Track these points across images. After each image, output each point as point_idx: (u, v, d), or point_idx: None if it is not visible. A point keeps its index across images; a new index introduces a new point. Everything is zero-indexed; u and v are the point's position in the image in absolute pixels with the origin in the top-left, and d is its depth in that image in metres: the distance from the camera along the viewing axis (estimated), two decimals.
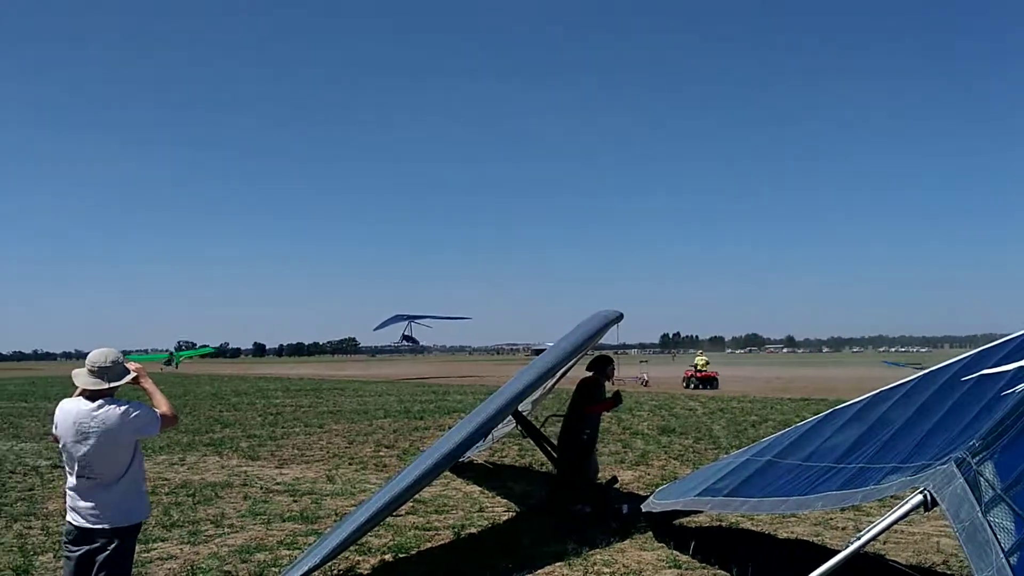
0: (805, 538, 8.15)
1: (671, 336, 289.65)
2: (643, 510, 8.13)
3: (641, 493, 10.11)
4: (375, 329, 65.62)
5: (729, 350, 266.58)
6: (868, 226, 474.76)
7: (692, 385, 35.56)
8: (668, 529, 8.15)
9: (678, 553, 7.38)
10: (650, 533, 8.06)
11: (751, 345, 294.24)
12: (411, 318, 61.10)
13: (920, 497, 4.41)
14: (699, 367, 36.24)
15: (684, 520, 8.64)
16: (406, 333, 62.36)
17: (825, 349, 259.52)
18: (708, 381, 35.46)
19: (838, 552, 4.45)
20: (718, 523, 8.78)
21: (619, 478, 10.50)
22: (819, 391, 31.50)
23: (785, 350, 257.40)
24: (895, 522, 4.42)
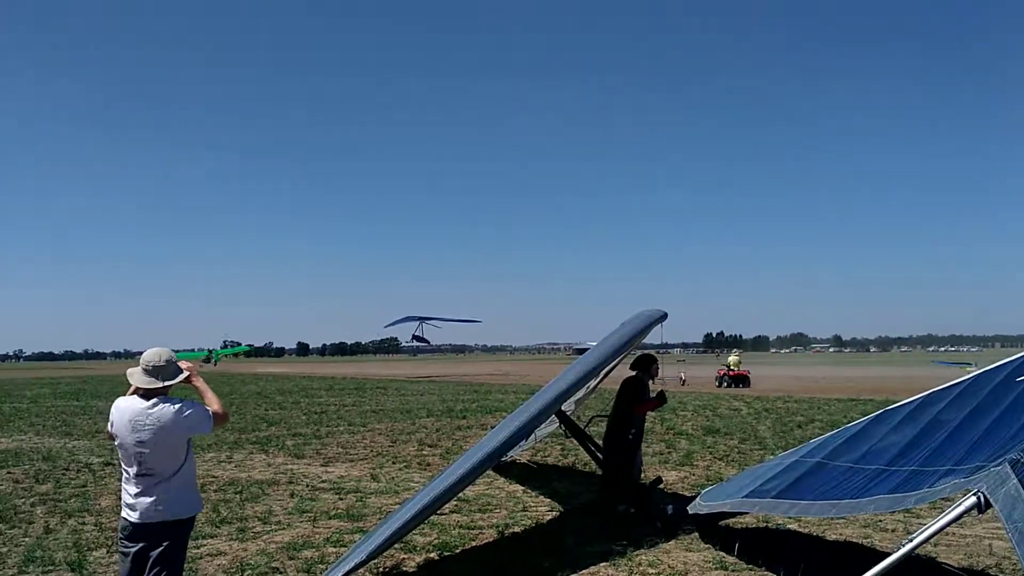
0: (854, 540, 8.02)
1: (714, 335, 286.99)
2: (689, 511, 8.05)
3: (686, 494, 10.03)
4: (385, 327, 66.68)
5: (774, 349, 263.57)
6: (918, 225, 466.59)
7: (725, 384, 36.42)
8: (714, 530, 8.07)
9: (724, 554, 7.31)
10: (695, 534, 7.99)
11: (796, 344, 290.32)
12: (422, 319, 62.12)
13: (974, 499, 4.32)
14: (731, 366, 37.22)
15: (730, 521, 8.54)
16: (416, 333, 63.39)
17: (873, 349, 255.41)
18: (740, 380, 36.31)
19: (889, 555, 4.38)
20: (764, 524, 8.66)
21: (663, 478, 10.43)
22: (867, 391, 31.02)
23: (831, 349, 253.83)
24: (948, 524, 4.33)
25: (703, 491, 8.76)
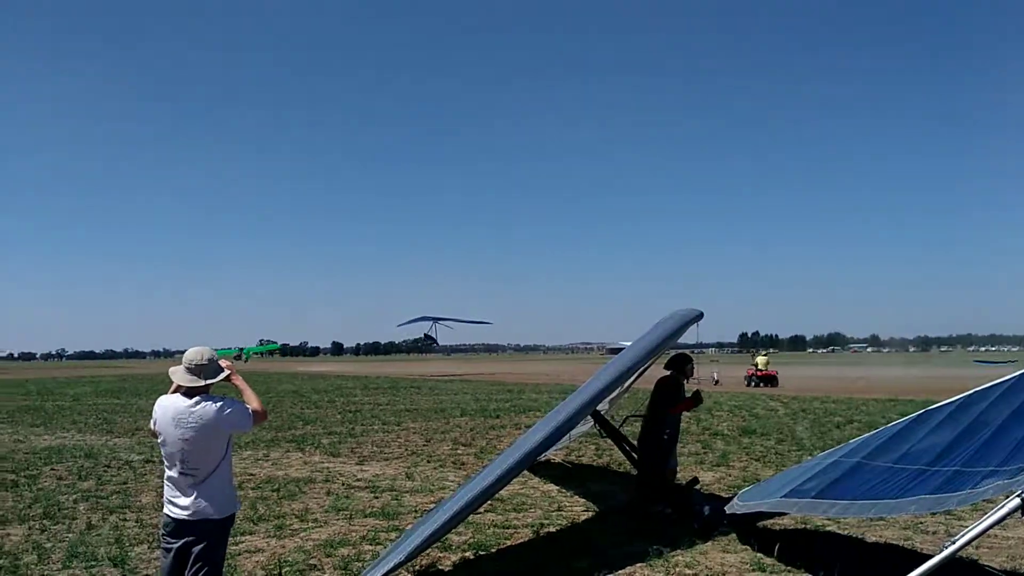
0: (894, 542, 7.91)
1: (749, 335, 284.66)
2: (726, 512, 7.99)
3: (722, 494, 9.96)
4: (398, 326, 67.90)
5: (810, 349, 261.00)
6: (956, 223, 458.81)
7: (753, 383, 37.12)
8: (751, 531, 8.00)
9: (762, 556, 7.24)
10: (733, 535, 7.93)
11: (833, 344, 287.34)
12: (435, 319, 63.06)
13: (1017, 501, 4.26)
14: (760, 366, 38.17)
15: (768, 522, 8.47)
16: (428, 333, 64.39)
17: (911, 348, 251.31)
18: (768, 379, 37.21)
19: (930, 557, 4.32)
20: (803, 525, 8.58)
21: (699, 479, 10.35)
22: (906, 391, 30.56)
23: (869, 349, 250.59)
24: (991, 527, 4.28)
25: (740, 492, 8.69)
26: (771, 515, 8.23)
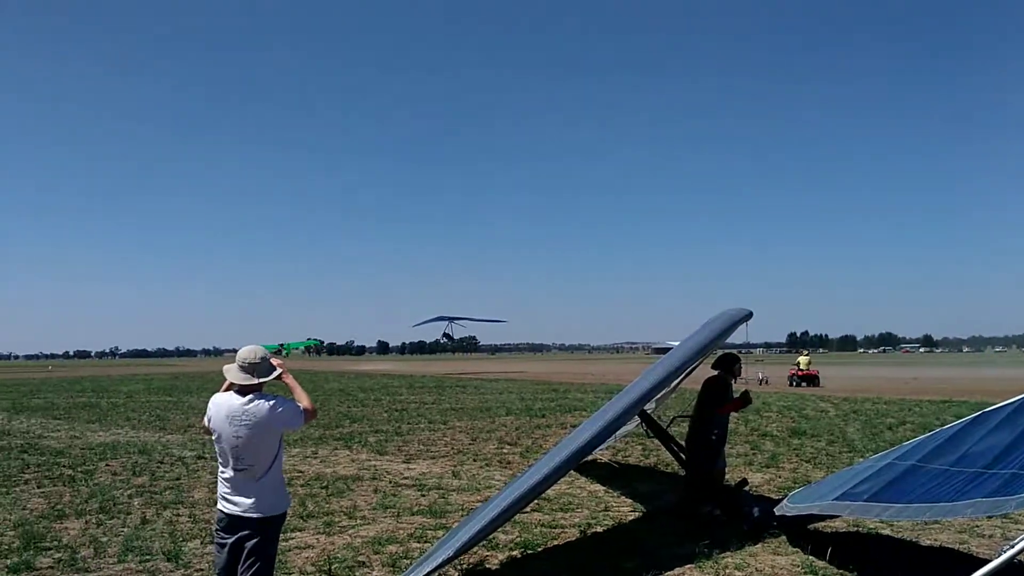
0: (949, 546, 7.73)
1: (798, 335, 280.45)
2: (776, 514, 7.88)
3: (772, 496, 9.83)
4: (414, 326, 69.45)
5: (861, 349, 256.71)
6: (1011, 220, 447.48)
7: (795, 383, 37.83)
8: (802, 534, 7.88)
9: (814, 559, 7.13)
10: (783, 537, 7.82)
11: (885, 344, 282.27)
12: (451, 319, 64.13)
13: None
14: (802, 366, 39.00)
15: (819, 525, 8.34)
16: (446, 331, 65.54)
17: (965, 349, 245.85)
18: (809, 379, 38.01)
19: (987, 561, 4.22)
20: (856, 528, 8.43)
21: (748, 480, 10.24)
22: (960, 392, 29.89)
23: (922, 350, 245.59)
24: None
25: (790, 494, 8.57)
26: (822, 517, 8.10)
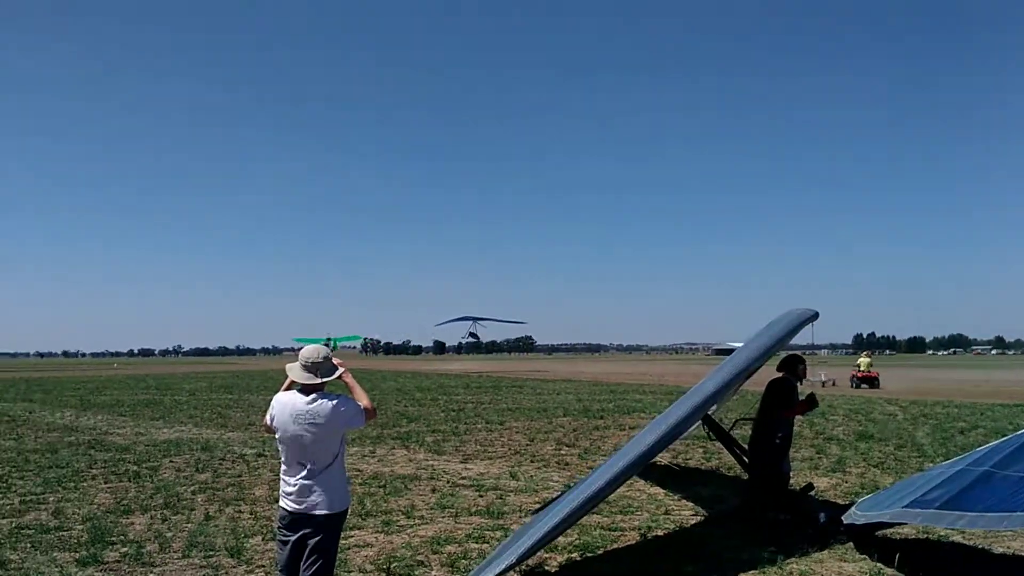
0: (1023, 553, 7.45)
1: (864, 336, 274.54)
2: (844, 521, 7.66)
3: (839, 501, 9.58)
4: (436, 326, 71.59)
5: (930, 351, 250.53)
6: None
7: (855, 385, 38.10)
8: (870, 540, 7.65)
9: (882, 566, 6.91)
10: (850, 544, 7.59)
11: (955, 346, 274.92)
12: (475, 319, 65.29)
13: None
14: (862, 368, 39.08)
15: (888, 531, 8.09)
16: (471, 331, 66.89)
17: None
18: (869, 381, 38.08)
19: None
20: (925, 535, 8.16)
21: (814, 485, 9.98)
22: None
23: (994, 352, 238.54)
24: None
25: (858, 500, 8.34)
26: (890, 524, 7.85)
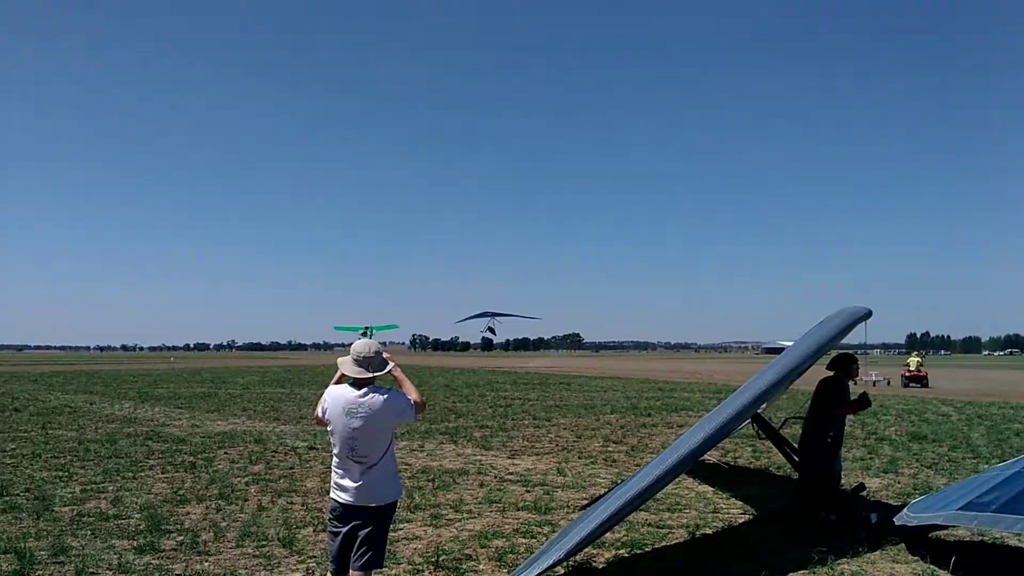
0: None
1: (918, 336, 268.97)
2: (896, 523, 7.54)
3: (891, 502, 9.45)
4: (456, 323, 70.70)
5: (986, 351, 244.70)
6: None
7: (905, 383, 39.21)
8: (923, 542, 7.52)
9: (935, 568, 6.79)
10: (902, 545, 7.48)
11: (1012, 347, 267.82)
12: (494, 314, 64.97)
13: None
14: (911, 367, 40.21)
15: (941, 533, 7.95)
16: (490, 325, 66.60)
17: None
18: (918, 380, 39.19)
19: None
20: (980, 538, 8.00)
21: (866, 485, 9.85)
22: None
23: None
24: None
25: (911, 501, 8.21)
26: (944, 525, 7.71)
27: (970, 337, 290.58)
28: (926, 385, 38.54)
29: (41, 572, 6.63)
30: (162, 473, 11.63)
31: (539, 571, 5.68)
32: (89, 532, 8.04)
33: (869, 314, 8.31)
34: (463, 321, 67.92)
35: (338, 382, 5.08)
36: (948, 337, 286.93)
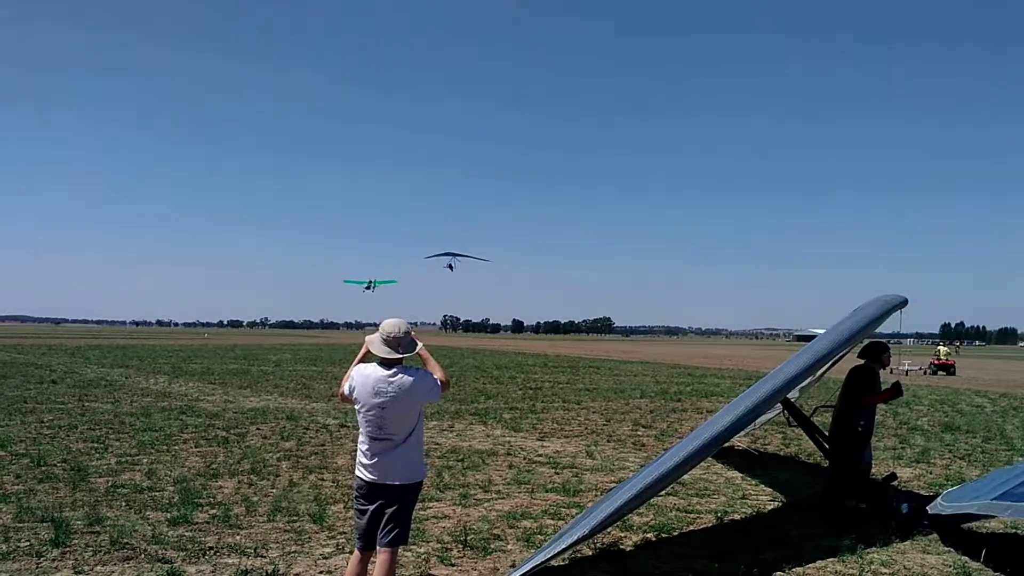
0: None
1: (952, 326, 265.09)
2: (928, 512, 7.47)
3: (922, 492, 9.37)
4: (425, 258, 78.46)
5: (1022, 343, 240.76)
6: None
7: (933, 371, 40.61)
8: (954, 533, 7.45)
9: (967, 559, 6.72)
10: (934, 535, 7.41)
11: None
12: (454, 254, 71.33)
13: None
14: (940, 356, 42.19)
15: (973, 524, 7.86)
16: (450, 263, 72.71)
17: None
18: (945, 368, 40.68)
19: None
20: (1013, 530, 7.90)
21: (898, 475, 9.76)
22: None
23: None
24: None
25: (944, 491, 8.12)
26: (977, 517, 7.62)
27: (1006, 328, 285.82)
28: (953, 373, 39.98)
29: (77, 541, 6.76)
30: (195, 447, 11.81)
31: (564, 547, 5.72)
32: (124, 503, 8.19)
33: (905, 302, 8.20)
34: (430, 257, 74.37)
35: (362, 360, 5.11)
36: (983, 328, 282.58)
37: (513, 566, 6.23)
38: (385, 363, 4.92)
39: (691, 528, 7.78)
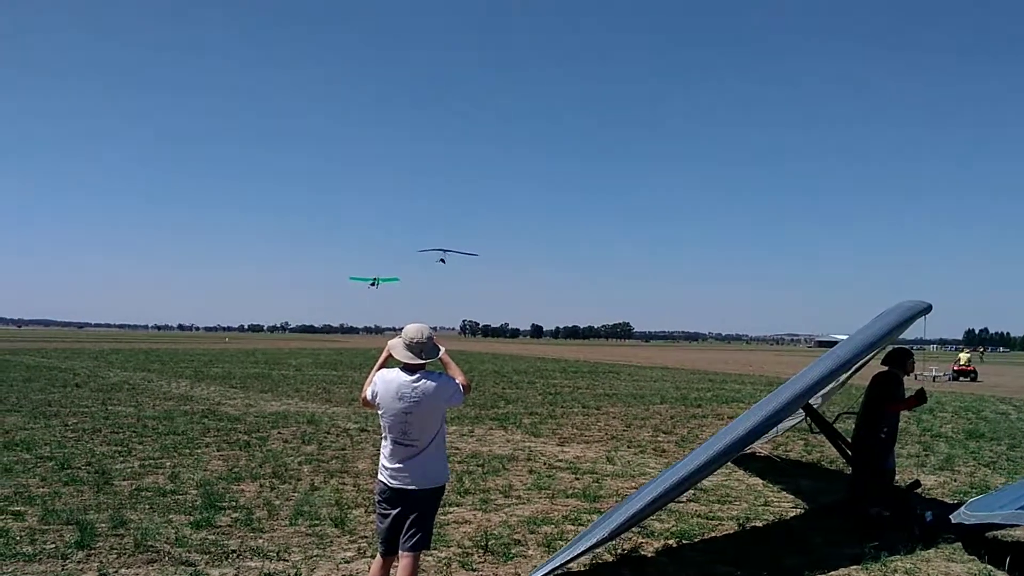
0: None
1: (976, 332, 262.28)
2: (952, 520, 7.40)
3: (946, 500, 9.28)
4: (419, 251, 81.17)
5: None
6: None
7: (953, 377, 40.71)
8: (979, 541, 7.37)
9: (992, 568, 6.66)
10: (958, 544, 7.33)
11: None
12: (445, 250, 76.41)
13: None
14: (961, 362, 42.32)
15: (998, 532, 7.77)
16: (442, 258, 77.36)
17: None
18: (966, 373, 40.98)
19: None
20: None
21: (921, 483, 9.67)
22: None
23: None
24: None
25: (968, 500, 8.04)
26: (1002, 525, 7.54)
27: None
28: (975, 379, 40.33)
29: (102, 544, 6.83)
30: (218, 451, 11.88)
31: (583, 548, 5.73)
32: (147, 506, 8.26)
33: (929, 308, 8.13)
34: (423, 251, 76.96)
35: (384, 364, 5.13)
36: (1008, 334, 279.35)
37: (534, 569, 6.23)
38: (408, 368, 4.93)
39: (713, 534, 7.75)
